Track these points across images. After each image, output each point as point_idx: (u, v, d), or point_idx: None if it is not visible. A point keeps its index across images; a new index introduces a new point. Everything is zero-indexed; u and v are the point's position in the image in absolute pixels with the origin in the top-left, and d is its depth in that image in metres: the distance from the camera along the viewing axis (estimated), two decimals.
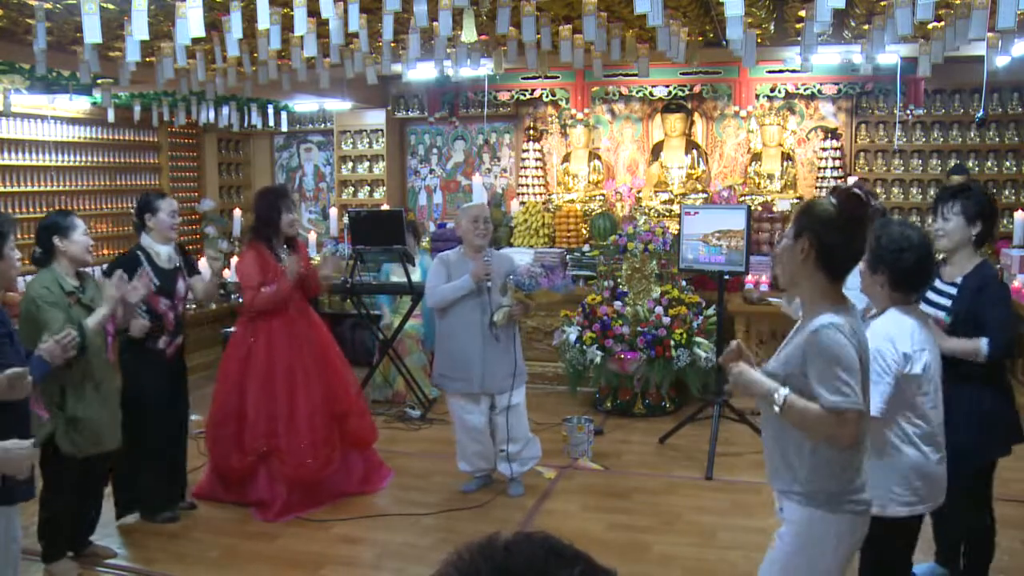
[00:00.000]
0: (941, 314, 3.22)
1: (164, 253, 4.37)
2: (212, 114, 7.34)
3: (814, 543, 2.34)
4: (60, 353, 3.26)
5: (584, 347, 6.19)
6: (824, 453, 2.29)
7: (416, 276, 6.47)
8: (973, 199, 3.31)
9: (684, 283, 6.47)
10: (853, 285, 3.02)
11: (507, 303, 4.53)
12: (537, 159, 8.26)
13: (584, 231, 7.61)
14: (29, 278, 3.98)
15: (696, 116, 8.00)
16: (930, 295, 3.29)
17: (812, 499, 2.32)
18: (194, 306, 6.82)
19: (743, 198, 7.38)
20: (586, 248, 7.34)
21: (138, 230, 4.43)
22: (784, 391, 2.27)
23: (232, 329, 5.14)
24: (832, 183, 7.44)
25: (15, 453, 2.63)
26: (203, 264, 7.20)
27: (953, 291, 3.27)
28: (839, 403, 2.19)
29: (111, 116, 6.65)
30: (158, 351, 4.31)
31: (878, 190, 7.74)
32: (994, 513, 3.45)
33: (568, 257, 7.24)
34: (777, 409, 2.28)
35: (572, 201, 7.90)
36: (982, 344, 3.13)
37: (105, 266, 4.44)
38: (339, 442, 4.72)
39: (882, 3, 4.41)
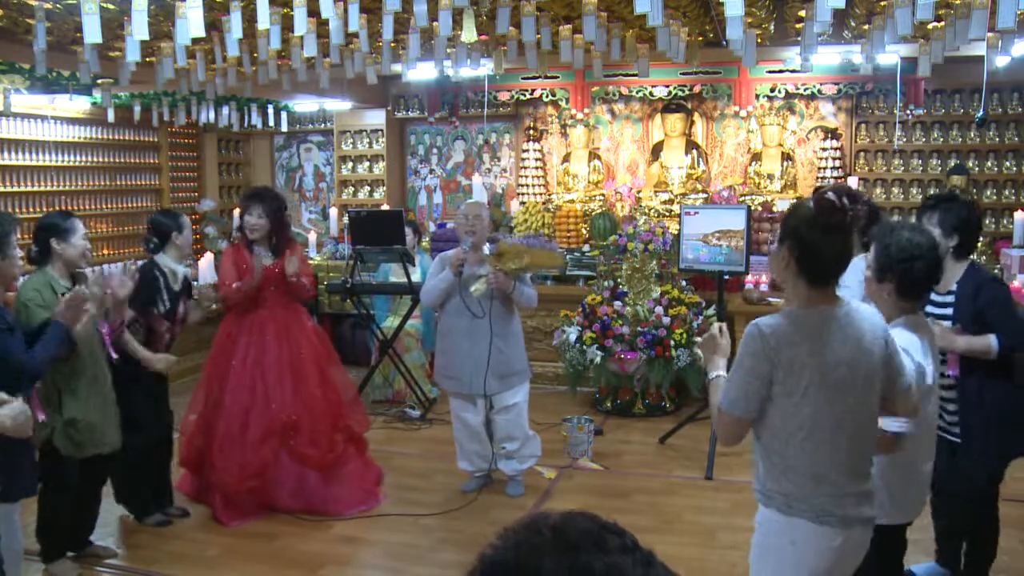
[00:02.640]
0: (947, 324, 3.21)
1: (180, 273, 4.40)
2: (212, 114, 7.34)
3: (771, 547, 2.31)
4: (75, 311, 3.30)
5: (584, 347, 6.19)
6: (780, 454, 2.25)
7: (416, 276, 6.47)
8: (952, 211, 3.27)
9: (684, 283, 6.47)
10: (850, 283, 2.99)
11: (483, 272, 4.47)
12: (537, 159, 8.26)
13: (584, 231, 7.61)
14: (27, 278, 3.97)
15: (696, 116, 8.00)
16: (929, 308, 3.25)
17: (769, 499, 2.30)
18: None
19: (743, 198, 7.38)
20: (586, 248, 7.34)
21: (156, 250, 4.37)
22: (715, 374, 2.43)
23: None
24: (832, 183, 7.44)
25: (19, 418, 2.75)
26: (205, 263, 7.23)
27: (951, 299, 3.26)
28: (720, 402, 2.31)
29: (111, 116, 6.65)
30: (135, 363, 4.23)
31: (878, 190, 7.75)
32: (998, 515, 3.45)
33: (568, 257, 7.24)
34: (707, 382, 2.44)
35: (572, 201, 7.90)
36: (991, 340, 3.12)
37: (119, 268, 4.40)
38: (281, 455, 4.50)
39: (882, 3, 4.41)
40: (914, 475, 2.78)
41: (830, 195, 2.16)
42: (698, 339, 2.59)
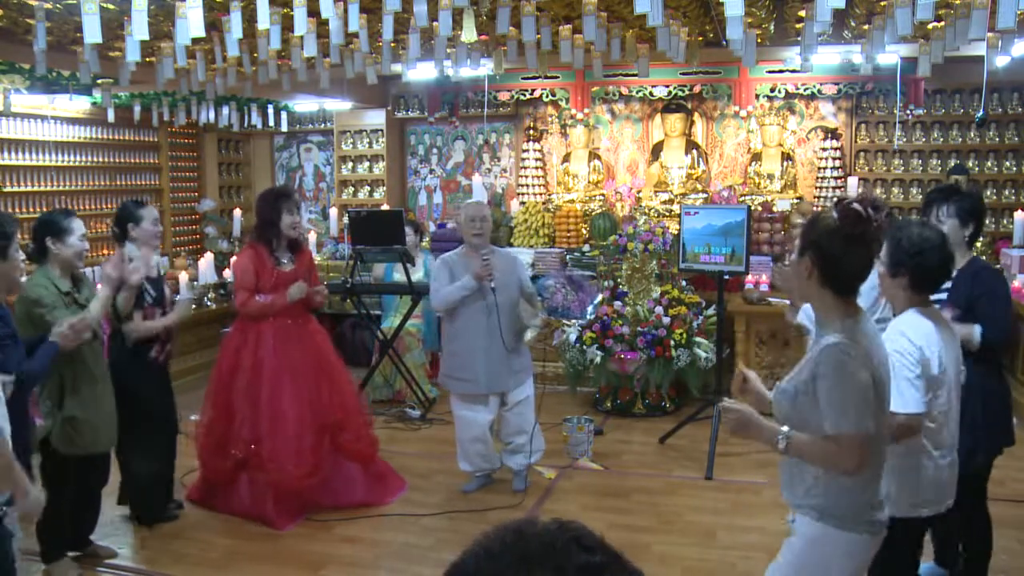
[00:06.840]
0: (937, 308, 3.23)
1: (153, 261, 4.35)
2: (212, 114, 7.34)
3: (823, 559, 2.31)
4: (73, 337, 3.32)
5: (584, 347, 6.19)
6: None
7: (419, 275, 6.48)
8: (966, 200, 3.35)
9: (684, 283, 6.47)
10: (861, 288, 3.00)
11: (537, 323, 4.83)
12: (537, 159, 8.26)
13: (584, 231, 7.61)
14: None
15: (696, 116, 8.00)
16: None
17: (826, 515, 2.28)
18: (194, 306, 6.79)
19: (743, 198, 7.38)
20: (586, 248, 7.34)
21: (120, 239, 4.30)
22: (784, 432, 2.25)
23: (228, 330, 5.10)
24: (832, 183, 7.45)
25: (34, 500, 2.71)
26: (205, 263, 7.23)
27: (948, 284, 3.28)
28: (843, 427, 2.16)
29: (111, 116, 6.65)
30: (151, 359, 4.28)
31: (878, 190, 7.75)
32: (988, 510, 3.45)
33: (568, 257, 7.25)
34: (781, 450, 2.25)
35: (572, 201, 7.90)
36: (975, 330, 3.14)
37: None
38: (331, 453, 4.55)
39: (882, 3, 4.41)
40: (935, 467, 2.79)
41: (855, 205, 2.15)
42: (724, 409, 2.36)
